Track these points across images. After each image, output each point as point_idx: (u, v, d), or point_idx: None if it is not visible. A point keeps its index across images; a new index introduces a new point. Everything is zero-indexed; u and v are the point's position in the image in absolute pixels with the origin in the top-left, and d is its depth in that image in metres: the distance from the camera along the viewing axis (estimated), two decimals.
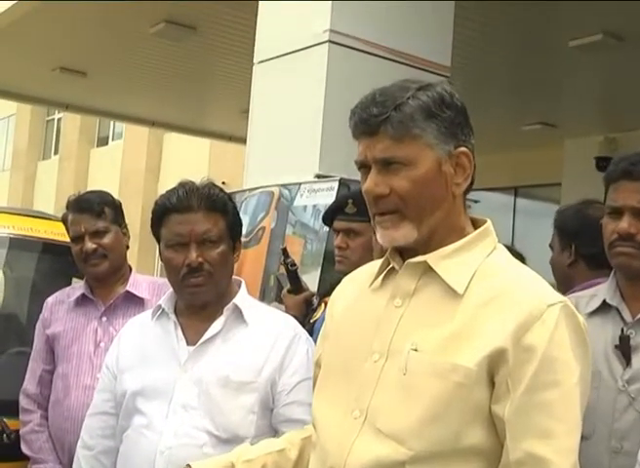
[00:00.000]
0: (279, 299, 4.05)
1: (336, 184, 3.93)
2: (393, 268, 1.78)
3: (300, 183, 4.26)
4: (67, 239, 3.86)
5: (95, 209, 3.16)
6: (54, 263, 4.22)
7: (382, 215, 1.71)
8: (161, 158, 20.55)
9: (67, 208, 3.24)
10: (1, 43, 9.36)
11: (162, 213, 2.35)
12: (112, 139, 22.87)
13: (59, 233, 4.12)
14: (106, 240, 3.16)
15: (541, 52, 7.84)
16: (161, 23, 8.05)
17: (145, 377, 2.35)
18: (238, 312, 2.37)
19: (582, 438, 2.13)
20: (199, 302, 2.37)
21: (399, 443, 1.62)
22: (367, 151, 1.69)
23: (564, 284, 3.03)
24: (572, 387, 1.61)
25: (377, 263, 1.87)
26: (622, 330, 2.26)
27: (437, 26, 4.64)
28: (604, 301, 2.33)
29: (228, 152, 16.75)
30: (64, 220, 3.29)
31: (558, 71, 8.31)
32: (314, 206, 4.06)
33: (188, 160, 18.42)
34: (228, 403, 2.28)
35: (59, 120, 24.76)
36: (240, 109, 10.67)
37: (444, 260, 1.70)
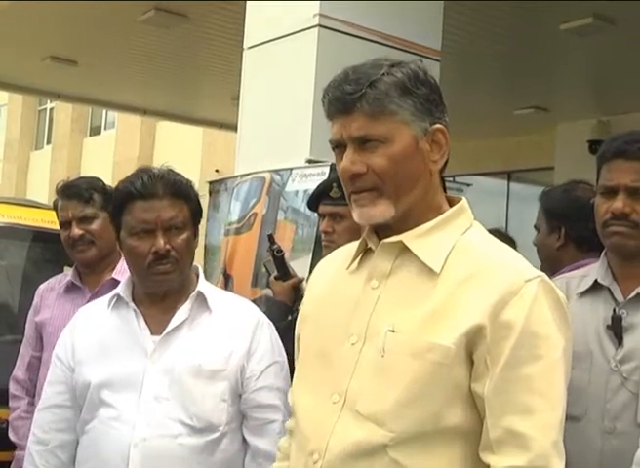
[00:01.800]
0: (268, 286, 4.06)
1: (327, 169, 3.90)
2: (370, 249, 1.77)
3: (291, 169, 4.25)
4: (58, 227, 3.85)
5: (83, 195, 3.15)
6: (45, 251, 4.25)
7: (359, 193, 1.69)
8: (154, 146, 20.57)
9: (57, 194, 3.23)
10: None
11: (124, 199, 2.35)
12: (105, 129, 22.90)
13: (50, 221, 4.14)
14: (94, 226, 3.14)
15: (533, 35, 7.82)
16: (151, 11, 7.99)
17: (110, 369, 2.33)
18: (202, 299, 2.37)
19: (574, 419, 2.18)
20: (164, 290, 2.36)
21: (379, 425, 1.62)
22: (342, 130, 1.68)
23: (550, 265, 3.06)
24: (554, 361, 1.60)
25: (354, 245, 1.85)
26: (614, 310, 2.26)
27: (427, 10, 4.63)
28: (595, 281, 2.32)
29: (220, 139, 16.78)
30: (55, 206, 3.28)
31: (550, 55, 8.28)
32: (305, 191, 4.04)
33: (181, 148, 18.44)
34: (201, 392, 2.29)
35: (51, 110, 24.72)
36: (230, 96, 10.68)
37: (419, 239, 1.69)
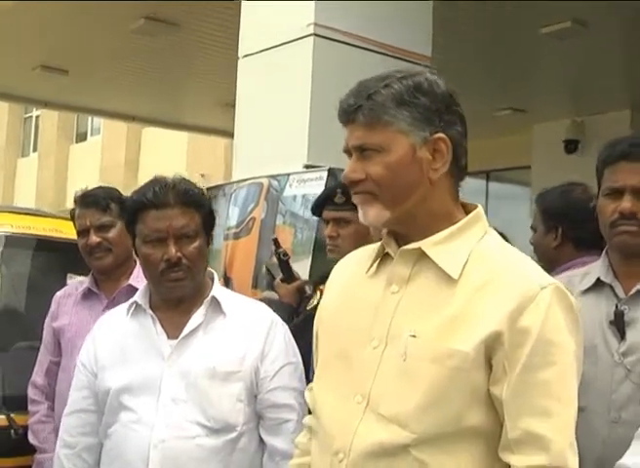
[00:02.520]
0: (271, 288, 4.05)
1: (325, 174, 3.93)
2: (388, 254, 1.79)
3: (289, 174, 4.25)
4: (62, 235, 3.85)
5: (100, 203, 3.15)
6: (49, 259, 4.20)
7: (357, 195, 1.74)
8: (140, 152, 20.52)
9: (75, 202, 3.24)
10: None
11: (138, 209, 2.35)
12: (91, 135, 22.83)
13: (53, 229, 4.13)
14: (111, 234, 3.15)
15: (514, 39, 7.89)
16: (140, 20, 8.01)
17: (129, 374, 2.34)
18: (216, 304, 2.38)
19: (580, 409, 2.17)
20: (178, 296, 2.37)
21: (402, 427, 1.64)
22: (348, 139, 1.72)
23: (547, 264, 3.03)
24: (567, 366, 1.63)
25: (370, 248, 1.88)
26: (617, 306, 2.29)
27: (417, 18, 4.67)
28: (598, 279, 2.35)
29: (206, 145, 16.81)
30: (72, 215, 3.29)
31: (529, 58, 8.37)
32: (304, 195, 4.07)
33: (166, 153, 18.45)
34: (217, 393, 2.30)
35: (37, 117, 24.59)
36: (218, 102, 10.68)
37: (437, 246, 1.71)
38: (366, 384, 1.70)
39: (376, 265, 1.81)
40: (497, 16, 7.26)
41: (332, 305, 1.92)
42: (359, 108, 1.68)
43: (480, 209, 1.79)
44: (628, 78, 9.21)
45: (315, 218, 3.86)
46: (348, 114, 1.70)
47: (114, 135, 20.46)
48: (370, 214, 1.73)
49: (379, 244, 1.83)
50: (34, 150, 24.98)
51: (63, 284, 3.82)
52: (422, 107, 1.69)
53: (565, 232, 3.07)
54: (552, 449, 1.58)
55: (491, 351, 1.61)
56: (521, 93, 10.00)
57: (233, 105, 6.46)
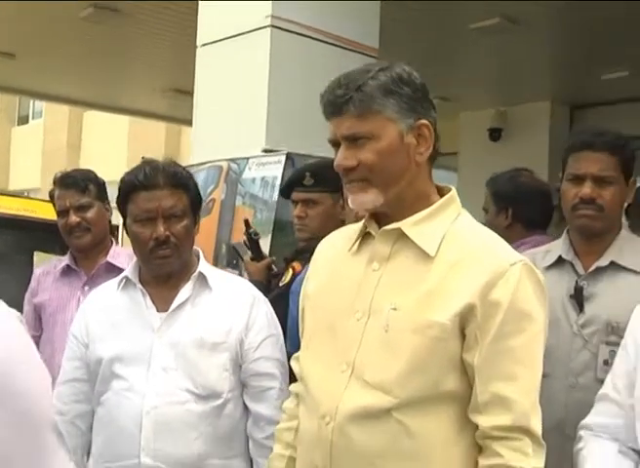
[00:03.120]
0: (232, 266, 4.06)
1: (283, 158, 3.93)
2: (369, 234, 1.82)
3: (248, 158, 4.23)
4: (29, 214, 3.80)
5: (79, 185, 3.14)
6: (15, 237, 4.12)
7: (352, 183, 1.75)
8: (81, 135, 20.17)
9: (54, 184, 3.21)
10: None
11: (129, 189, 2.34)
12: (33, 118, 22.36)
13: (20, 209, 4.08)
14: (90, 214, 3.14)
15: (444, 32, 7.90)
16: (90, 8, 7.82)
17: (121, 344, 2.34)
18: (203, 279, 2.39)
19: (543, 376, 2.25)
20: (166, 272, 2.37)
21: (385, 392, 1.69)
22: (336, 129, 1.74)
23: None
24: (535, 334, 1.69)
25: (352, 228, 1.91)
26: (577, 281, 2.35)
27: (366, 13, 4.67)
28: (559, 257, 2.41)
29: (146, 129, 16.59)
30: (51, 196, 3.25)
31: (458, 51, 8.41)
32: (262, 178, 4.06)
33: (108, 137, 18.18)
34: (204, 362, 2.31)
35: None
36: (159, 88, 10.55)
37: (416, 226, 1.74)
38: (350, 353, 1.74)
39: (357, 244, 1.85)
40: (429, 10, 7.26)
41: (317, 281, 1.94)
42: (350, 99, 1.69)
43: (454, 191, 1.83)
44: (550, 72, 9.32)
45: (274, 200, 3.89)
46: (338, 106, 1.71)
47: (56, 118, 20.06)
48: (365, 200, 1.75)
49: (360, 224, 1.86)
50: None
51: (30, 261, 3.79)
52: (407, 96, 1.72)
53: (514, 213, 3.15)
54: (516, 410, 1.65)
55: (464, 322, 1.66)
56: (449, 83, 9.95)
57: (173, 90, 6.40)
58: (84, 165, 17.39)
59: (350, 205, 1.81)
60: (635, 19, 7.06)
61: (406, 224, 1.74)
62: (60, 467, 1.00)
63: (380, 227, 1.79)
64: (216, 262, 4.15)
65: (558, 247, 2.45)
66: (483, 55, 8.53)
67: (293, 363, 2.06)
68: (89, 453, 2.44)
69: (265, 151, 4.21)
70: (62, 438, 1.03)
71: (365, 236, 1.84)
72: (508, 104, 10.46)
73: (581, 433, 1.99)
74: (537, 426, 1.68)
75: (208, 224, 4.34)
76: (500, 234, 3.09)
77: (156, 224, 2.30)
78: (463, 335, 1.68)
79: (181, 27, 7.79)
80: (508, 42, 7.86)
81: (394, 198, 1.74)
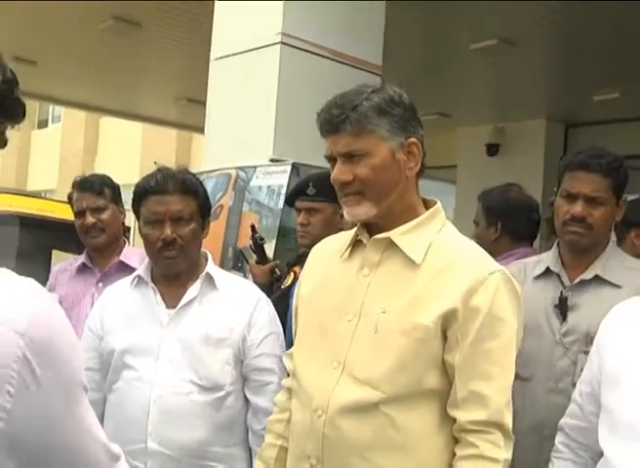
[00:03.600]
0: (237, 268, 4.10)
1: (288, 167, 3.95)
2: (360, 241, 1.88)
3: (255, 166, 4.26)
4: (48, 215, 3.85)
5: (96, 188, 3.21)
6: (35, 236, 4.16)
7: (347, 196, 1.81)
8: (97, 140, 20.19)
9: (73, 187, 3.27)
10: None
11: (142, 194, 2.42)
12: (52, 122, 22.35)
13: (40, 209, 4.13)
14: (105, 216, 3.20)
15: (445, 52, 7.97)
16: (110, 20, 7.90)
17: (132, 337, 2.40)
18: (210, 279, 2.44)
19: (525, 379, 2.31)
20: (173, 272, 2.43)
21: (373, 388, 1.75)
22: (332, 146, 1.80)
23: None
24: (509, 339, 1.75)
25: (344, 235, 1.97)
26: (561, 292, 2.38)
27: (371, 31, 4.69)
28: (547, 268, 2.44)
29: (159, 136, 16.62)
30: (69, 198, 3.31)
31: (457, 70, 8.44)
32: (269, 186, 4.07)
33: (122, 142, 18.20)
34: (209, 357, 2.35)
35: None
36: (172, 97, 10.61)
37: (404, 236, 1.81)
38: (342, 352, 1.81)
39: (349, 251, 1.91)
40: (431, 32, 7.36)
41: (310, 285, 2.00)
42: (346, 119, 1.75)
43: (439, 204, 1.90)
44: (545, 92, 9.37)
45: (279, 208, 3.92)
46: (335, 125, 1.77)
47: (74, 123, 20.06)
48: (360, 212, 1.81)
49: (352, 232, 1.92)
50: None
51: (49, 259, 3.84)
52: (398, 116, 1.79)
53: (503, 226, 3.17)
54: (491, 407, 1.72)
55: (447, 324, 1.73)
56: (449, 99, 10.05)
57: (185, 99, 6.38)
58: (99, 168, 17.45)
59: (346, 216, 1.87)
60: (624, 46, 7.13)
61: (395, 234, 1.81)
62: (92, 420, 1.15)
63: (370, 236, 1.86)
64: (222, 265, 4.14)
65: (548, 258, 2.48)
66: (482, 73, 8.58)
67: (285, 359, 2.11)
68: None
69: (272, 161, 4.23)
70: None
71: (356, 243, 1.90)
72: (506, 121, 10.48)
73: (556, 443, 2.03)
74: (509, 421, 1.75)
75: (215, 228, 4.35)
76: (487, 246, 3.16)
77: (164, 227, 2.35)
78: (445, 337, 1.75)
79: (195, 40, 7.84)
80: (506, 62, 7.92)
81: (386, 210, 1.81)
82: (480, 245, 3.22)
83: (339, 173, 1.80)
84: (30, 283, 1.06)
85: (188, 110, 10.84)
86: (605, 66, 7.85)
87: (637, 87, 8.30)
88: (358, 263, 1.87)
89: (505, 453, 1.73)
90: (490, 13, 6.56)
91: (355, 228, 1.92)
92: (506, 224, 3.18)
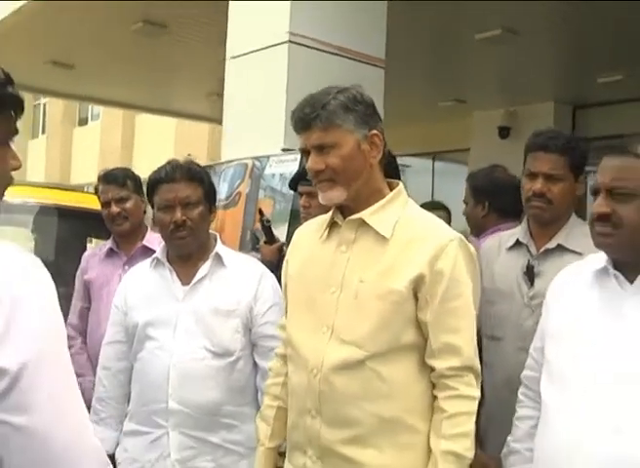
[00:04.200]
0: (255, 250, 4.21)
1: (298, 156, 3.93)
2: (336, 223, 2.02)
3: (269, 156, 4.35)
4: (83, 206, 3.99)
5: (119, 181, 3.32)
6: (72, 226, 4.31)
7: (321, 182, 1.95)
8: (134, 135, 20.30)
9: (98, 180, 3.39)
10: (5, 41, 9.23)
11: (154, 184, 2.52)
12: (91, 120, 22.45)
13: (76, 201, 4.28)
14: (128, 205, 3.31)
15: (454, 43, 8.02)
16: (139, 23, 8.05)
17: (152, 312, 2.51)
18: (219, 258, 2.53)
19: (498, 339, 2.43)
20: (185, 251, 2.52)
21: (358, 347, 1.90)
22: (306, 141, 1.94)
23: (477, 230, 3.26)
24: (469, 297, 1.91)
25: (320, 219, 2.11)
26: (529, 260, 2.48)
27: (374, 27, 4.74)
28: (518, 240, 2.54)
29: (191, 129, 16.68)
30: (96, 190, 3.44)
31: (468, 58, 8.49)
32: (281, 174, 4.14)
33: (157, 137, 18.26)
34: (220, 326, 2.46)
35: (44, 104, 24.12)
36: (202, 93, 10.70)
37: (373, 215, 1.95)
38: (329, 319, 1.95)
39: (327, 232, 2.05)
40: (440, 25, 7.40)
41: (296, 263, 2.14)
42: (317, 117, 1.89)
43: (401, 185, 2.04)
44: (552, 75, 9.34)
45: (291, 193, 3.94)
46: (307, 122, 1.91)
47: (112, 120, 20.12)
48: (333, 196, 1.95)
49: (328, 215, 2.06)
50: (43, 133, 24.58)
51: (84, 246, 4.00)
52: (361, 112, 1.93)
53: (490, 204, 3.24)
54: (463, 354, 1.88)
55: (417, 288, 1.88)
56: (462, 86, 10.09)
57: (216, 94, 6.45)
58: (136, 162, 17.59)
59: (320, 200, 2.01)
60: (626, 30, 7.13)
61: (365, 214, 1.96)
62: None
63: (344, 218, 2.00)
64: (241, 247, 4.26)
65: (519, 231, 2.58)
66: (490, 61, 8.61)
67: (279, 330, 2.25)
68: (129, 401, 2.60)
69: (284, 150, 4.30)
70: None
71: (333, 225, 2.05)
72: (516, 105, 10.47)
73: (519, 394, 2.13)
74: (478, 365, 1.92)
75: (235, 214, 4.52)
76: (476, 222, 3.34)
77: (174, 211, 2.46)
78: (416, 298, 1.89)
79: (219, 40, 7.98)
80: (511, 50, 7.94)
81: (354, 193, 1.95)
82: (470, 221, 3.42)
83: (312, 163, 1.94)
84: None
85: (218, 105, 10.90)
86: (608, 50, 7.83)
87: (638, 69, 8.29)
88: (336, 242, 2.01)
89: (477, 392, 1.90)
90: (491, 4, 6.61)
91: (330, 212, 2.06)
92: (493, 202, 3.25)
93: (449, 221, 4.28)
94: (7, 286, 1.08)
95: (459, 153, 11.87)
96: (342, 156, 1.91)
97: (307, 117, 1.91)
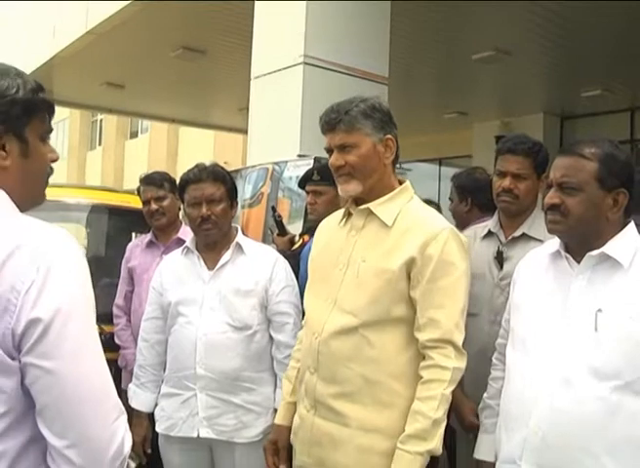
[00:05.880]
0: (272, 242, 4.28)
1: (312, 161, 4.04)
2: (351, 213, 2.08)
3: (287, 161, 4.39)
4: (129, 205, 4.06)
5: (157, 182, 3.38)
6: (119, 222, 4.37)
7: (341, 176, 2.00)
8: (178, 146, 20.40)
9: (140, 182, 3.45)
10: (63, 66, 9.38)
11: (184, 184, 2.56)
12: (141, 133, 22.58)
13: (123, 201, 4.29)
14: (165, 203, 3.37)
15: (453, 63, 8.06)
16: (179, 49, 8.18)
17: (183, 292, 2.55)
18: (239, 247, 2.57)
19: (474, 315, 2.40)
20: (211, 241, 2.55)
21: (354, 316, 1.95)
22: (330, 141, 2.00)
23: (461, 224, 3.21)
24: (457, 278, 1.92)
25: (342, 211, 2.16)
26: (499, 247, 2.52)
27: (378, 49, 4.78)
28: (489, 230, 2.58)
29: (229, 140, 16.70)
30: (138, 191, 3.49)
31: (467, 76, 8.52)
32: (297, 176, 4.03)
33: (198, 147, 18.30)
34: (239, 304, 2.49)
35: (101, 120, 24.37)
36: (237, 108, 10.79)
37: (379, 206, 2.00)
38: (334, 292, 2.01)
39: (344, 221, 2.11)
40: (439, 45, 7.43)
41: (317, 249, 2.21)
42: (340, 121, 1.94)
43: (408, 182, 2.09)
44: (541, 90, 9.36)
45: (305, 192, 4.10)
46: (332, 125, 1.96)
47: (159, 133, 20.19)
48: (350, 188, 2.00)
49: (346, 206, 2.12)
50: (99, 145, 24.79)
51: (130, 239, 4.07)
52: (378, 119, 1.98)
53: (472, 200, 3.26)
54: (443, 328, 1.89)
55: (409, 269, 1.91)
56: (464, 101, 10.13)
57: (246, 109, 6.52)
58: (179, 169, 17.69)
59: (340, 192, 2.06)
60: (603, 50, 7.12)
61: (373, 205, 2.01)
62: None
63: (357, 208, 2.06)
64: (264, 240, 4.26)
65: (491, 223, 2.62)
66: (486, 78, 8.64)
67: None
68: (165, 368, 2.64)
69: (299, 156, 4.37)
70: None
71: (349, 215, 2.10)
72: (511, 116, 10.49)
73: (493, 359, 2.17)
74: (458, 340, 1.90)
75: (258, 212, 4.54)
76: (461, 217, 3.35)
77: (201, 207, 2.49)
78: (409, 278, 1.93)
79: (248, 62, 8.02)
80: (504, 68, 7.97)
81: (369, 188, 2.00)
82: (455, 216, 3.42)
83: (334, 160, 1.98)
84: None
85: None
86: (589, 68, 7.85)
87: (615, 85, 8.26)
88: (348, 228, 2.06)
89: (455, 362, 1.88)
90: (485, 28, 6.64)
91: (348, 203, 2.12)
92: (475, 199, 3.26)
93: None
94: (43, 255, 1.13)
95: (462, 159, 11.85)
96: (360, 155, 1.96)
97: (333, 121, 1.96)
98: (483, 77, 8.49)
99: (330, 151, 2.02)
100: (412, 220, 1.97)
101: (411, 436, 1.85)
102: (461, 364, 1.92)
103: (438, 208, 4.32)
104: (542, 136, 9.82)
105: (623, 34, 6.59)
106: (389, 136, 2.00)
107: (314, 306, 2.09)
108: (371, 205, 2.01)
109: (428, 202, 4.35)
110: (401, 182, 2.08)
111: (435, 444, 1.85)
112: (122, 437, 1.16)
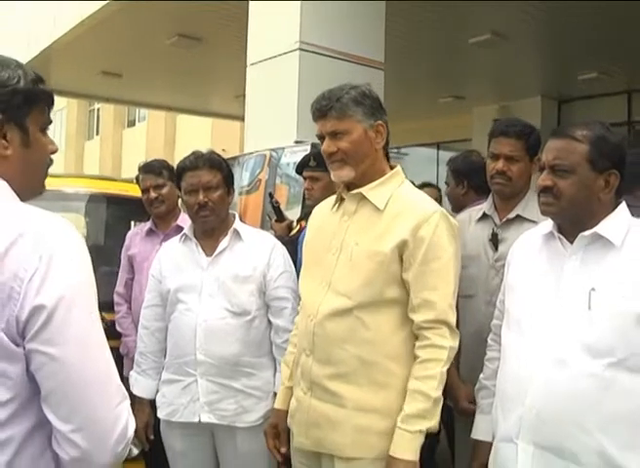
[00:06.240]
0: (270, 228, 4.30)
1: (309, 147, 4.03)
2: (343, 198, 2.10)
3: (284, 147, 4.39)
4: (128, 193, 4.06)
5: (156, 170, 3.37)
6: (118, 210, 4.34)
7: (333, 163, 2.03)
8: (175, 134, 20.35)
9: (139, 170, 3.45)
10: (60, 55, 9.37)
11: (181, 171, 2.56)
12: (138, 122, 22.52)
13: (121, 189, 4.26)
14: (164, 191, 3.36)
15: (451, 47, 8.03)
16: (175, 36, 8.16)
17: (182, 279, 2.55)
18: (237, 233, 2.57)
19: (470, 296, 2.44)
20: (208, 228, 2.55)
21: (348, 298, 1.97)
22: (322, 128, 2.02)
23: (458, 207, 3.28)
24: (448, 260, 1.94)
25: (334, 197, 2.18)
26: (493, 229, 2.54)
27: (374, 34, 4.77)
28: (484, 212, 2.60)
29: (226, 127, 16.66)
30: (137, 179, 3.49)
31: (465, 60, 8.50)
32: (295, 162, 3.95)
33: (195, 135, 18.28)
34: (238, 290, 2.50)
35: (98, 109, 24.32)
36: (233, 95, 10.76)
37: (371, 191, 2.02)
38: (328, 275, 2.03)
39: (337, 206, 2.13)
40: (436, 30, 7.41)
41: (311, 232, 2.23)
42: (332, 108, 1.97)
43: (399, 167, 2.10)
44: (538, 74, 9.32)
45: (302, 178, 4.10)
46: (324, 112, 1.98)
47: (156, 121, 20.17)
48: (343, 174, 2.02)
49: (338, 192, 2.14)
50: (97, 134, 24.77)
51: (129, 228, 4.06)
52: (369, 106, 2.00)
53: (468, 183, 3.29)
54: (438, 309, 1.92)
55: (402, 251, 1.94)
56: (462, 85, 10.13)
57: (243, 96, 6.54)
58: (177, 157, 17.61)
59: (332, 178, 2.08)
60: (599, 33, 7.10)
61: (365, 189, 2.03)
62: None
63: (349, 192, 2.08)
64: (263, 226, 4.25)
65: (485, 205, 2.63)
66: (484, 62, 8.62)
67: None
68: (165, 355, 2.64)
69: (296, 142, 4.36)
70: None
71: (341, 200, 2.12)
72: (509, 100, 10.46)
73: (488, 340, 2.19)
74: (452, 320, 1.94)
75: (256, 199, 4.56)
76: (458, 201, 3.38)
77: (198, 194, 2.49)
78: (401, 260, 1.95)
79: (244, 49, 7.99)
80: (501, 52, 7.95)
81: (361, 173, 2.02)
82: (451, 199, 3.45)
83: (327, 146, 2.00)
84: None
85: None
86: (585, 51, 7.82)
87: (612, 68, 8.25)
88: (341, 213, 2.08)
89: (450, 342, 1.92)
90: (481, 12, 6.62)
91: (340, 189, 2.14)
92: (470, 182, 3.29)
93: (440, 198, 4.32)
94: (45, 243, 1.15)
95: (461, 143, 11.82)
96: (352, 141, 1.98)
97: (324, 108, 1.98)
98: (480, 61, 8.46)
99: (322, 138, 2.04)
100: (403, 204, 1.99)
101: (412, 415, 1.88)
102: (455, 343, 1.96)
103: (439, 191, 4.35)
104: (540, 120, 9.82)
105: (619, 17, 6.56)
106: (380, 121, 2.02)
107: (309, 289, 2.11)
108: (363, 189, 2.03)
109: (429, 185, 4.41)
110: (392, 167, 2.10)
111: (435, 421, 1.89)
112: (126, 420, 1.18)
